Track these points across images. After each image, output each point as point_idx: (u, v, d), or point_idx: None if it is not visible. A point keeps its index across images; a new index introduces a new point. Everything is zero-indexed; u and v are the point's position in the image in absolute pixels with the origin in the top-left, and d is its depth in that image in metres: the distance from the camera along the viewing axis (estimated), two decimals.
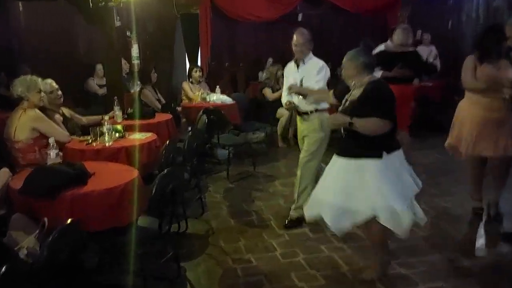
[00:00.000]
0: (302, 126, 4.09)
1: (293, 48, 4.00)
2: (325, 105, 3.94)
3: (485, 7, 8.88)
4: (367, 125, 2.88)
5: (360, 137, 2.93)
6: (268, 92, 7.32)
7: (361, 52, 3.09)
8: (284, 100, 4.09)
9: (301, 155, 4.11)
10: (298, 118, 4.12)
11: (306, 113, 3.99)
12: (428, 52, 7.93)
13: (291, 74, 4.10)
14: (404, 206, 2.86)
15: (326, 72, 4.00)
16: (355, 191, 2.91)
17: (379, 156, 2.92)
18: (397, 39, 5.26)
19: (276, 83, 7.37)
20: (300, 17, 9.34)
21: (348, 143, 3.05)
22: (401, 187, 2.94)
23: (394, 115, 2.95)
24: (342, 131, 3.11)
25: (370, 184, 2.88)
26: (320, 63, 4.00)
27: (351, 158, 2.99)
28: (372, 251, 3.25)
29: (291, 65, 4.16)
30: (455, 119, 4.20)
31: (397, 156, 3.04)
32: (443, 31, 9.13)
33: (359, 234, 3.73)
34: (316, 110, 3.95)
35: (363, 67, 3.02)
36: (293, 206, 4.20)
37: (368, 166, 2.92)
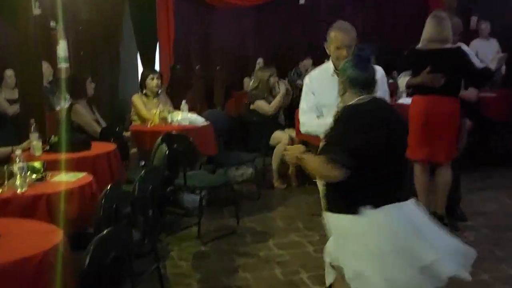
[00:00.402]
0: None
1: (338, 51, 3.92)
2: None
3: None
4: (313, 165, 3.06)
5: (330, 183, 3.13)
6: (262, 105, 7.32)
7: (352, 63, 3.21)
8: (309, 129, 4.05)
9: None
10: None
11: None
12: (485, 48, 8.01)
13: (328, 89, 3.88)
14: (381, 275, 2.96)
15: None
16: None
17: (354, 212, 3.00)
18: (425, 33, 5.33)
19: (269, 94, 7.41)
20: (302, 0, 9.48)
21: (326, 191, 3.24)
22: (396, 254, 3.01)
23: (363, 157, 2.99)
24: None
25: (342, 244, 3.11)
26: (377, 67, 4.02)
27: (326, 211, 3.21)
28: None
29: (324, 75, 4.06)
30: None
31: (401, 211, 3.08)
32: (510, 19, 9.25)
33: None
34: None
35: (350, 83, 3.15)
36: None
37: (340, 223, 3.11)
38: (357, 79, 3.13)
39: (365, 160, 2.97)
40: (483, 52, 7.80)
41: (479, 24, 8.58)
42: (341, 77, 3.24)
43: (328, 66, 4.05)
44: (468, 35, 8.18)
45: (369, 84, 3.15)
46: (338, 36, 3.92)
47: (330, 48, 3.97)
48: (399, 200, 3.08)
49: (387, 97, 3.93)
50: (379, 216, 3.02)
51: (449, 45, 5.31)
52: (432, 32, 5.26)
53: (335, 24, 4.03)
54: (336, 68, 3.93)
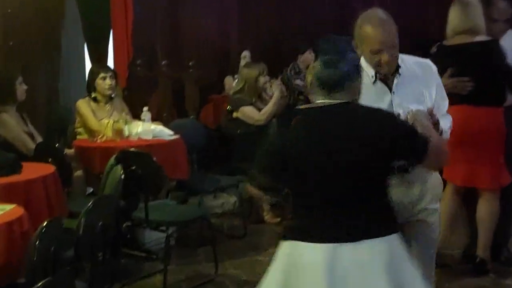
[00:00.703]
0: None
1: (377, 56, 3.80)
2: None
3: None
4: None
5: None
6: (249, 112, 7.32)
7: (320, 59, 3.29)
8: None
9: None
10: None
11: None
12: None
13: (370, 102, 3.84)
14: None
15: None
16: None
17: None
18: (448, 23, 5.37)
19: (258, 98, 7.43)
20: None
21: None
22: None
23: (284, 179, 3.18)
24: None
25: None
26: (427, 62, 4.02)
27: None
28: None
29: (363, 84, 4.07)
30: None
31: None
32: None
33: None
34: None
35: (312, 84, 3.22)
36: None
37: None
38: (320, 79, 3.18)
39: (288, 183, 3.12)
40: None
41: None
42: (307, 77, 3.30)
43: (365, 70, 3.79)
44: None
45: (334, 85, 3.17)
46: (377, 35, 3.76)
47: (362, 48, 3.80)
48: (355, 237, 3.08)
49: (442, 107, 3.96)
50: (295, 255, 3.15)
51: (480, 38, 5.28)
52: (455, 21, 5.30)
53: (368, 14, 3.88)
54: (378, 72, 3.85)
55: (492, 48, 5.28)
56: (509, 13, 5.81)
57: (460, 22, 5.26)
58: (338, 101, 3.14)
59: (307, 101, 6.19)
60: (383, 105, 3.69)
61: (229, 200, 7.40)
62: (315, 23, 9.55)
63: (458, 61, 5.16)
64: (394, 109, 3.72)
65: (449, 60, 5.19)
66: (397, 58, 3.77)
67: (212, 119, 8.70)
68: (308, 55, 8.63)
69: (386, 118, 3.26)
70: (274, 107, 7.37)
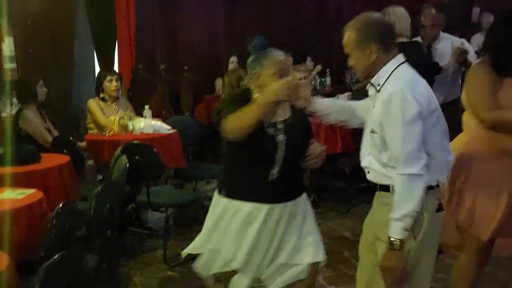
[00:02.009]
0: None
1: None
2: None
3: None
4: None
5: None
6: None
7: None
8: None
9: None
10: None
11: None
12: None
13: None
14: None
15: None
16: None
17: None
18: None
19: None
20: None
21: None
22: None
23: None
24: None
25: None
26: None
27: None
28: None
29: None
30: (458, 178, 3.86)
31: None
32: None
33: None
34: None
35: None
36: None
37: None
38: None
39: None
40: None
41: (481, 17, 8.62)
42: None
43: None
44: (469, 29, 8.29)
45: None
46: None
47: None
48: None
49: None
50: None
51: (401, 39, 5.33)
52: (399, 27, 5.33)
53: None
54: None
55: (407, 47, 5.15)
56: (435, 19, 5.85)
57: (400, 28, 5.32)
58: None
59: None
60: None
61: None
62: (297, 29, 9.54)
63: None
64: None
65: None
66: (357, 65, 3.21)
67: (205, 116, 8.64)
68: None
69: None
70: None
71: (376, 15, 3.19)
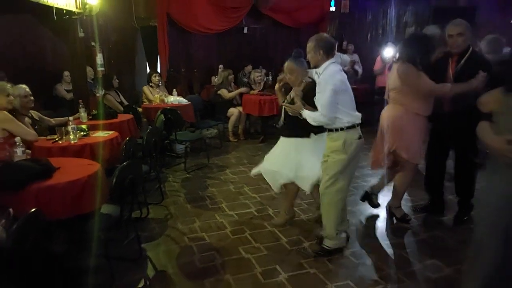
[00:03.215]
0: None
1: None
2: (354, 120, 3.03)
3: (396, 23, 9.31)
4: (312, 115, 3.02)
5: (296, 122, 3.26)
6: (225, 92, 7.24)
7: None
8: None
9: (322, 181, 3.12)
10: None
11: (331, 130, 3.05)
12: (346, 59, 7.77)
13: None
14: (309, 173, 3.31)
15: None
16: (289, 161, 3.37)
17: (308, 136, 3.38)
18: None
19: (229, 85, 7.34)
20: (245, 30, 9.33)
21: (289, 128, 3.44)
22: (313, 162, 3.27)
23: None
24: (283, 119, 3.44)
25: (299, 156, 3.36)
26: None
27: (291, 137, 3.43)
28: (283, 204, 3.73)
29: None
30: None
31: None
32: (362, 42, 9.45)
33: (296, 211, 3.80)
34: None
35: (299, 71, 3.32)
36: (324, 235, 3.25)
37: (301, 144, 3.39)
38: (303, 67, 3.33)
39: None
40: (345, 61, 7.51)
41: (347, 46, 8.57)
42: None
43: None
44: (343, 52, 8.26)
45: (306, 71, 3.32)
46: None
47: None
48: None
49: None
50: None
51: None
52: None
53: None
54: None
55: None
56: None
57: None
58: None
59: (250, 87, 6.04)
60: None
61: (214, 131, 7.34)
62: (253, 51, 9.40)
63: None
64: None
65: None
66: (311, 60, 3.07)
67: (206, 95, 8.52)
68: (248, 67, 8.46)
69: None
70: (234, 93, 7.27)
71: (325, 35, 3.06)
